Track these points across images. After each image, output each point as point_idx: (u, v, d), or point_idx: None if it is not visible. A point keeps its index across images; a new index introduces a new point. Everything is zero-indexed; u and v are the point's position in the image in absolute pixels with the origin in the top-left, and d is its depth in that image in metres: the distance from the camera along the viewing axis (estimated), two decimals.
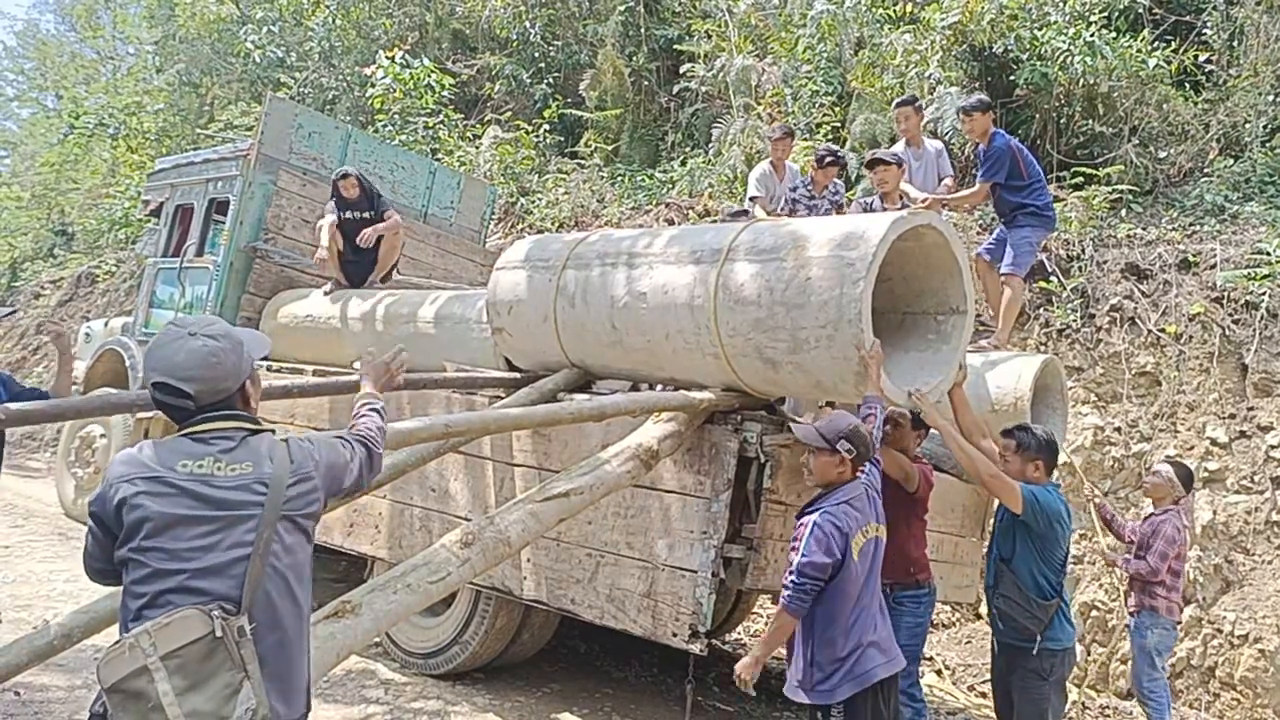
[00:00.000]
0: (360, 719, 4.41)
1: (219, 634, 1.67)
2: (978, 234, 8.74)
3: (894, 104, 6.91)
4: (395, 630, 5.18)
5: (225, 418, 1.94)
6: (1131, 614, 5.48)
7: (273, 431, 2.01)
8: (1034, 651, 3.89)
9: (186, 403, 1.90)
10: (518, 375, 4.92)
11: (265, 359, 5.84)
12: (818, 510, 3.23)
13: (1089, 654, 6.84)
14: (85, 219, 20.79)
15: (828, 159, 6.74)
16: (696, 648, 3.89)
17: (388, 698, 4.72)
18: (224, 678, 1.66)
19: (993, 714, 4.41)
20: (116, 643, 1.71)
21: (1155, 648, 5.29)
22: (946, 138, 8.89)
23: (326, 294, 6.83)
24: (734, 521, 3.97)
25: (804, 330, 3.64)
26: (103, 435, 8.04)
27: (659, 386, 4.72)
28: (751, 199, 7.08)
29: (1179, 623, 5.50)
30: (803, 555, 3.12)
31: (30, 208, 24.19)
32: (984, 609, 4.77)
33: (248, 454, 1.89)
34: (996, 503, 4.24)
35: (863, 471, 3.38)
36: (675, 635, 3.93)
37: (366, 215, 6.93)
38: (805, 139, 10.95)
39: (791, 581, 3.13)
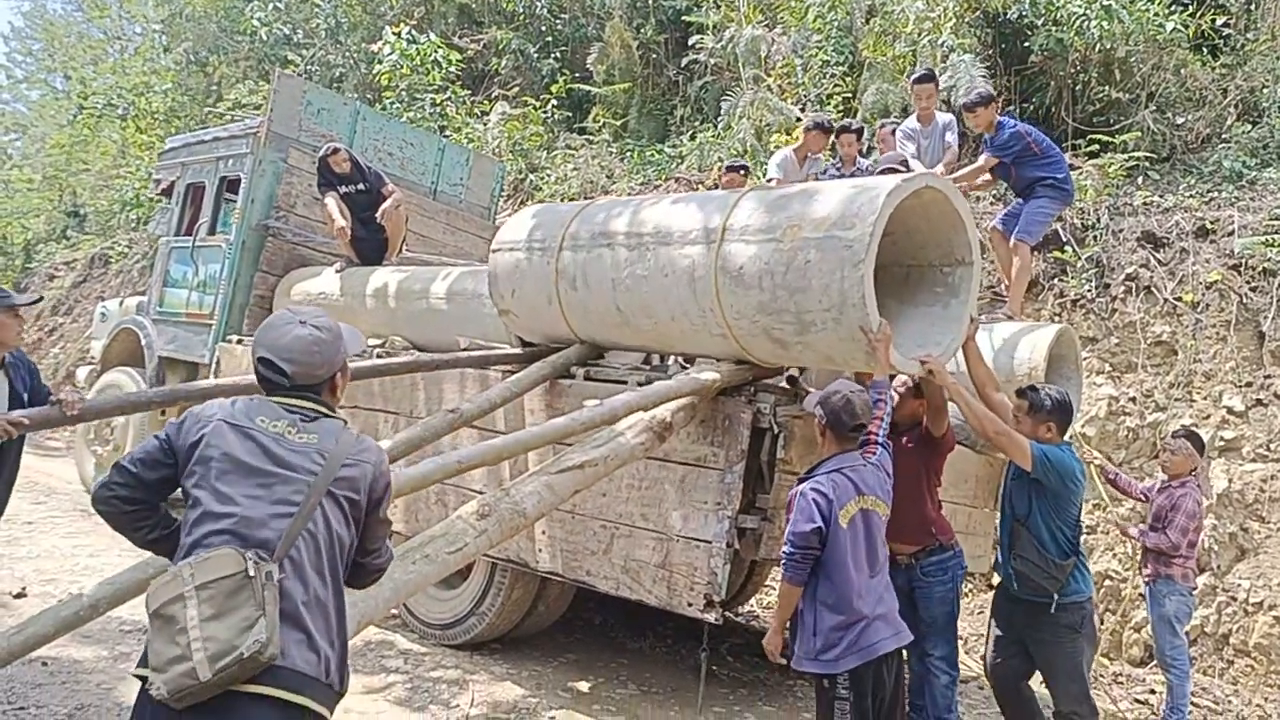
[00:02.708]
0: (381, 688, 4.48)
1: (251, 573, 1.82)
2: (990, 204, 8.68)
3: (913, 79, 6.81)
4: (413, 602, 5.24)
5: (309, 399, 2.14)
6: (1147, 582, 5.50)
7: (345, 422, 2.20)
8: (1052, 609, 3.89)
9: (282, 380, 2.12)
10: (530, 349, 4.94)
11: None
12: (807, 480, 3.33)
13: (1103, 623, 6.85)
14: (97, 200, 20.86)
15: (841, 130, 6.89)
16: (711, 617, 3.92)
17: (407, 667, 4.78)
18: (244, 612, 1.80)
19: None
20: (165, 571, 1.89)
21: (1175, 614, 5.32)
22: (960, 106, 8.79)
23: (338, 271, 6.85)
24: (748, 492, 3.99)
25: (809, 313, 3.61)
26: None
27: (671, 356, 4.74)
28: (769, 180, 7.04)
29: (1195, 588, 5.52)
30: (791, 525, 3.24)
31: (42, 190, 24.26)
32: (995, 577, 4.75)
33: (318, 429, 2.09)
34: (1008, 461, 4.21)
35: (872, 453, 3.39)
36: (690, 605, 3.97)
37: (362, 188, 6.92)
38: (816, 110, 10.86)
39: (785, 552, 3.25)
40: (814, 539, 3.17)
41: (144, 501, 2.08)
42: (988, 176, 6.20)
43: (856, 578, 3.21)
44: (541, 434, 3.78)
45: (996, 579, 4.37)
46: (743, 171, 7.17)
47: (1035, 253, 6.87)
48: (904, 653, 3.54)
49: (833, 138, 6.97)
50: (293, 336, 2.13)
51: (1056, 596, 3.87)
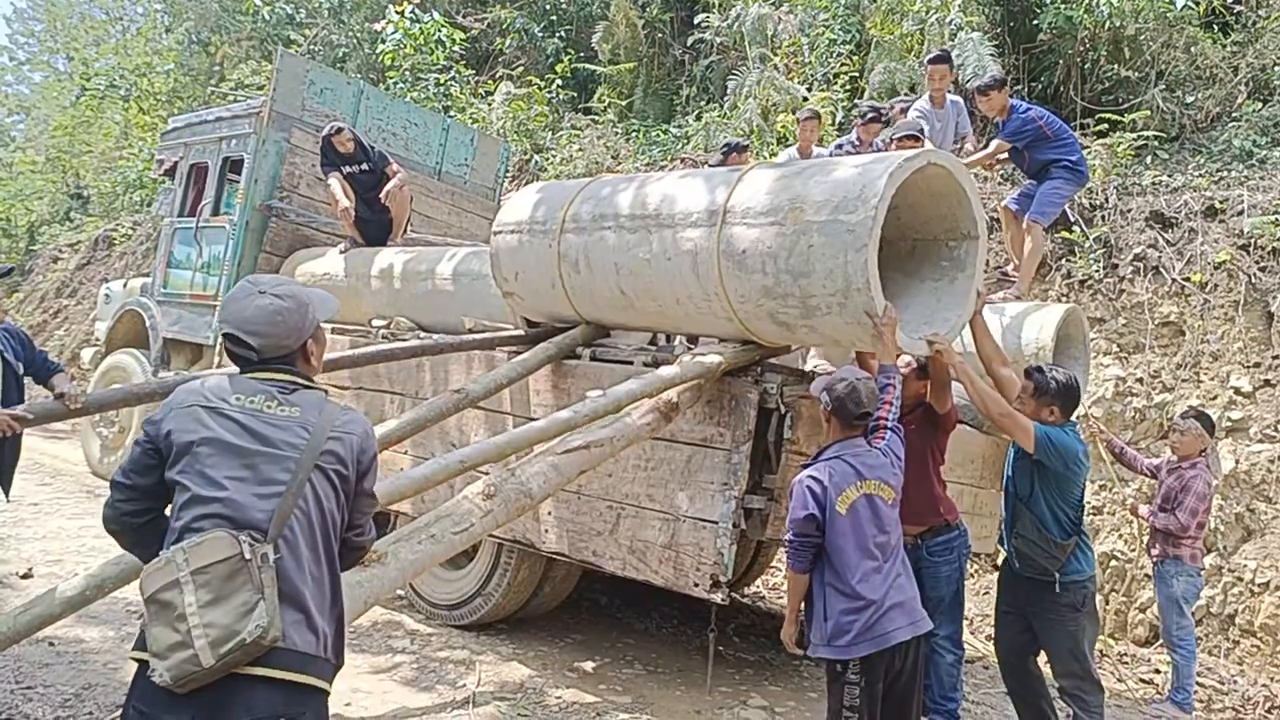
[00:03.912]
0: (388, 668, 4.48)
1: (247, 556, 1.80)
2: (1000, 183, 8.62)
3: (927, 59, 6.74)
4: (420, 583, 5.25)
5: (284, 371, 2.09)
6: (1155, 563, 5.51)
7: (325, 393, 2.14)
8: (1055, 588, 3.87)
9: (250, 353, 2.07)
10: (535, 330, 4.92)
11: None
12: (807, 467, 3.30)
13: (1108, 603, 6.86)
14: (100, 182, 20.82)
15: (870, 115, 6.79)
16: (718, 598, 3.91)
17: (414, 647, 4.79)
18: (243, 596, 1.78)
19: None
20: (158, 558, 1.85)
21: (1183, 595, 5.34)
22: (968, 84, 8.72)
23: (342, 253, 6.82)
24: (754, 472, 3.98)
25: (814, 298, 3.58)
26: None
27: (677, 336, 4.71)
28: None
29: (1202, 569, 5.52)
30: (789, 514, 3.24)
31: (45, 172, 24.23)
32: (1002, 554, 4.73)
33: (299, 401, 2.05)
34: (1012, 440, 4.17)
35: (881, 438, 3.35)
36: (697, 586, 3.96)
37: (365, 168, 6.89)
38: (823, 90, 10.79)
39: (786, 540, 3.25)
40: (809, 526, 3.16)
41: (150, 510, 2.03)
42: (1001, 157, 6.16)
43: (861, 563, 3.15)
44: (544, 429, 3.70)
45: (1003, 556, 4.35)
46: (742, 150, 7.00)
47: (1045, 233, 6.84)
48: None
49: (860, 123, 6.88)
50: (255, 308, 2.07)
51: (1057, 575, 3.85)
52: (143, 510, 2.02)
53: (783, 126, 10.49)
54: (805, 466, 3.34)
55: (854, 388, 3.29)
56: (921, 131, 5.88)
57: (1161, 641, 5.90)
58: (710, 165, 9.56)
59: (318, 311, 2.18)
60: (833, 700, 3.19)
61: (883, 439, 3.36)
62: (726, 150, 6.85)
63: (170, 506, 1.95)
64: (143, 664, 1.84)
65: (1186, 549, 5.34)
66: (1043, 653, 4.13)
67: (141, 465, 2.00)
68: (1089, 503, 7.03)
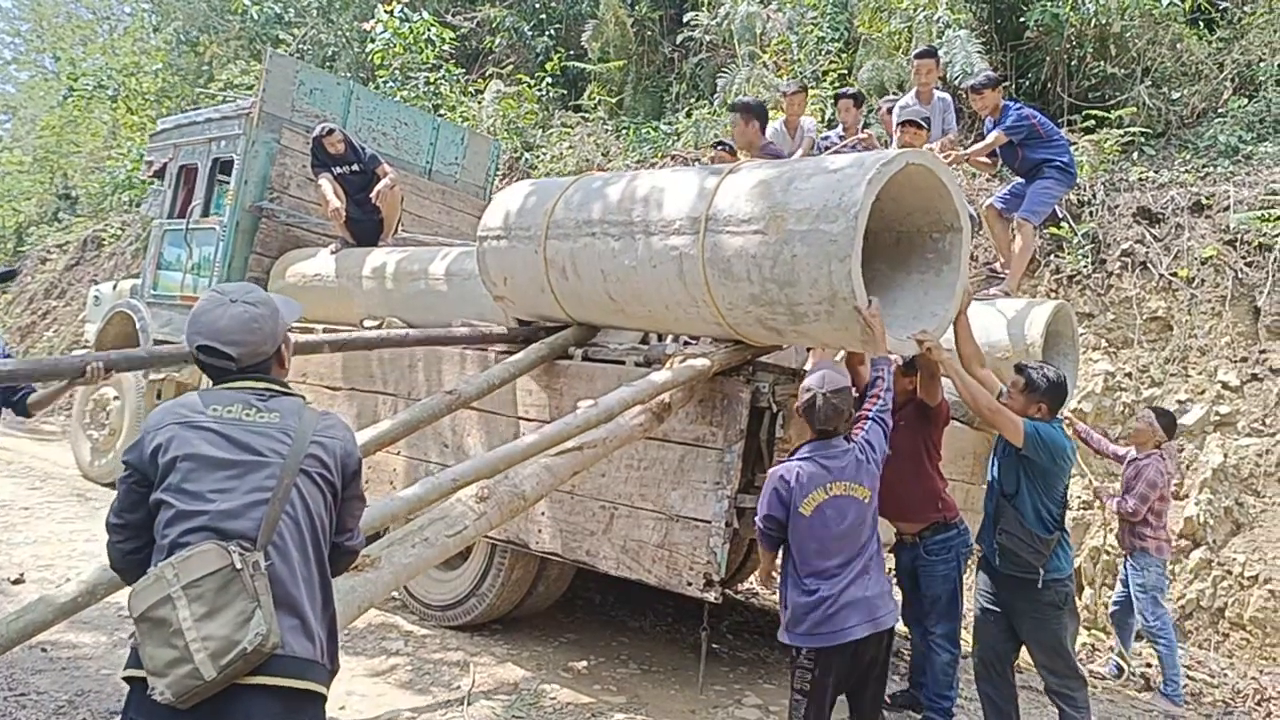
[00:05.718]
0: (384, 670, 4.49)
1: (238, 566, 1.78)
2: (987, 181, 8.65)
3: (915, 54, 6.78)
4: (414, 584, 5.25)
5: (260, 378, 2.07)
6: (1125, 556, 5.70)
7: (302, 398, 2.13)
8: (1039, 585, 3.89)
9: (229, 364, 2.05)
10: (526, 329, 4.92)
11: None
12: (786, 460, 3.38)
13: (1099, 597, 6.90)
14: (88, 182, 20.69)
15: (838, 96, 6.97)
16: (711, 596, 3.94)
17: (409, 649, 4.80)
18: (238, 606, 1.76)
19: None
20: (145, 575, 1.83)
21: (1155, 585, 5.51)
22: (956, 81, 8.75)
23: (333, 253, 6.81)
24: (747, 471, 4.00)
25: (800, 306, 3.60)
26: (116, 398, 8.11)
27: (669, 335, 4.73)
28: None
29: (1167, 559, 5.70)
30: (757, 505, 3.41)
31: (33, 172, 24.07)
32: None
33: (278, 406, 2.03)
34: (996, 435, 4.18)
35: (861, 429, 3.38)
36: (690, 584, 3.98)
37: (356, 168, 6.89)
38: (812, 87, 10.80)
39: (755, 524, 3.44)
40: (770, 524, 3.32)
41: (150, 544, 1.96)
42: (985, 159, 6.21)
43: (819, 562, 3.23)
44: (536, 443, 3.65)
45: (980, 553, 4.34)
46: (726, 149, 7.02)
47: (1034, 231, 6.88)
48: (885, 638, 3.40)
49: (832, 105, 6.97)
50: (229, 317, 2.04)
51: (1041, 573, 3.86)
52: (143, 546, 1.96)
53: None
54: (789, 456, 3.45)
55: (812, 403, 3.31)
56: (926, 121, 5.91)
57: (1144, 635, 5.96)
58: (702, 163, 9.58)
59: (286, 315, 2.18)
60: (793, 680, 3.33)
61: (862, 429, 3.39)
62: (715, 145, 7.00)
63: (155, 524, 1.91)
64: (138, 682, 1.81)
65: (1151, 540, 5.54)
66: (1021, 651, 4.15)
67: (130, 501, 1.96)
68: (1080, 498, 7.09)
